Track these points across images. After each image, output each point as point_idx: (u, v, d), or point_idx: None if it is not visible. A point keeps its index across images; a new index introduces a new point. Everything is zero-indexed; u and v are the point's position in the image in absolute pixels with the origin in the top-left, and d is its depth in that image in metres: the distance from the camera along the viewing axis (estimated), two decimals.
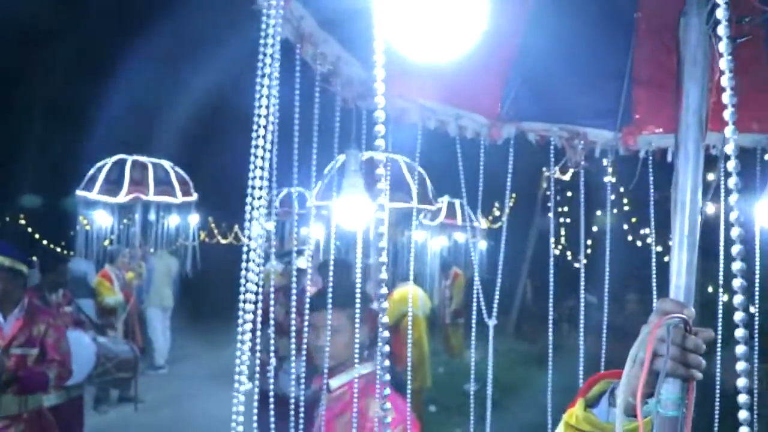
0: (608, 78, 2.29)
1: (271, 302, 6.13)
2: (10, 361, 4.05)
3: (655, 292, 2.47)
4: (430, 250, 9.14)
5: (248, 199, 1.34)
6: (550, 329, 2.84)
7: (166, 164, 7.42)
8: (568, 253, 14.22)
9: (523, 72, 2.23)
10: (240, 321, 1.42)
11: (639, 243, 12.60)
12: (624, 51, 2.22)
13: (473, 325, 2.77)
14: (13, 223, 18.74)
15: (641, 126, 2.39)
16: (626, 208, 12.09)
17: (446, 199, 9.60)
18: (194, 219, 7.98)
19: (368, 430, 2.29)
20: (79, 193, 7.31)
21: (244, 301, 1.37)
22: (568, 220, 14.05)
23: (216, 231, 24.22)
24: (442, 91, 2.12)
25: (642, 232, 12.57)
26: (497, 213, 19.95)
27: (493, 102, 2.28)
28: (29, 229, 18.99)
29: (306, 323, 2.20)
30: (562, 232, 14.68)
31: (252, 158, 1.34)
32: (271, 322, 5.73)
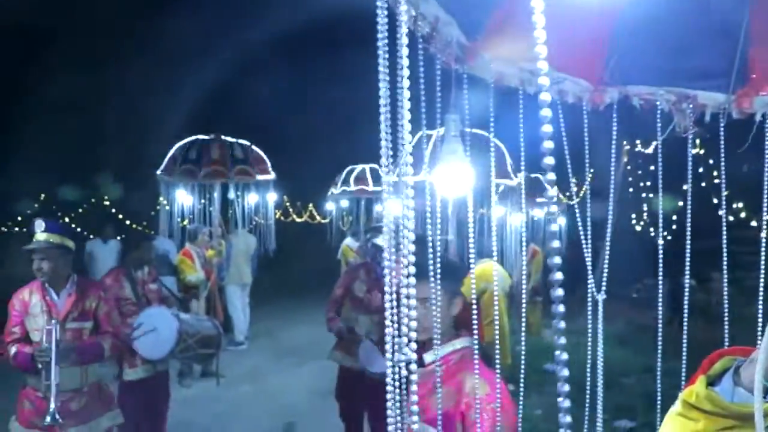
0: (721, 36, 2.10)
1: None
2: (67, 335, 4.16)
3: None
4: (509, 226, 8.93)
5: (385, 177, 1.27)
6: (660, 309, 2.67)
7: (244, 143, 7.45)
8: (651, 229, 13.76)
9: (627, 32, 2.06)
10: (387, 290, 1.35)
11: (731, 218, 12.06)
12: (739, 6, 2.03)
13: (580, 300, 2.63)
14: (97, 204, 19.39)
15: (758, 87, 2.18)
16: (717, 180, 11.54)
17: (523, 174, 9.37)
18: (272, 197, 8.02)
19: (463, 406, 2.20)
20: (159, 173, 7.44)
21: (407, 276, 1.38)
22: (650, 195, 13.57)
23: (291, 210, 24.50)
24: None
25: (735, 206, 12.02)
26: (575, 188, 19.45)
27: (595, 65, 2.12)
28: (113, 210, 19.61)
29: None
30: (645, 208, 14.19)
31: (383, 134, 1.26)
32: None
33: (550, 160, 0.94)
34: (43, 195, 17.83)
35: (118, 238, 9.79)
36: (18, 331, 4.13)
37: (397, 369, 1.49)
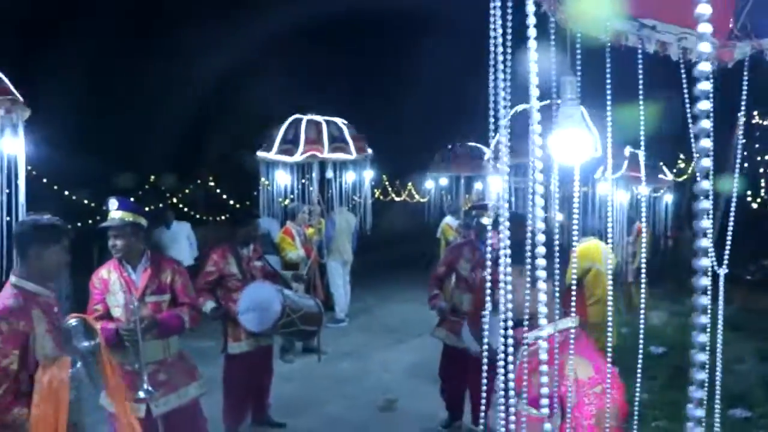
0: None
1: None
2: (147, 309, 4.25)
3: None
4: (613, 204, 8.60)
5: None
6: None
7: (340, 121, 7.46)
8: None
9: None
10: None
11: None
12: None
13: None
14: (203, 185, 20.06)
15: None
16: None
17: (628, 150, 8.99)
18: (369, 174, 8.01)
19: (566, 388, 2.09)
20: (259, 154, 7.56)
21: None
22: None
23: (390, 188, 24.60)
24: (665, 7, 1.79)
25: None
26: (682, 165, 18.61)
27: (723, 17, 1.88)
28: (218, 190, 20.23)
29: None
30: (763, 184, 13.34)
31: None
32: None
33: (706, 143, 0.79)
34: (152, 177, 18.59)
35: (222, 217, 9.99)
36: (100, 308, 4.25)
37: (496, 348, 1.41)
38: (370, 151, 7.51)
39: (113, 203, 4.20)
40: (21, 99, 3.59)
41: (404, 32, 18.62)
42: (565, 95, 1.96)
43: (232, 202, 20.08)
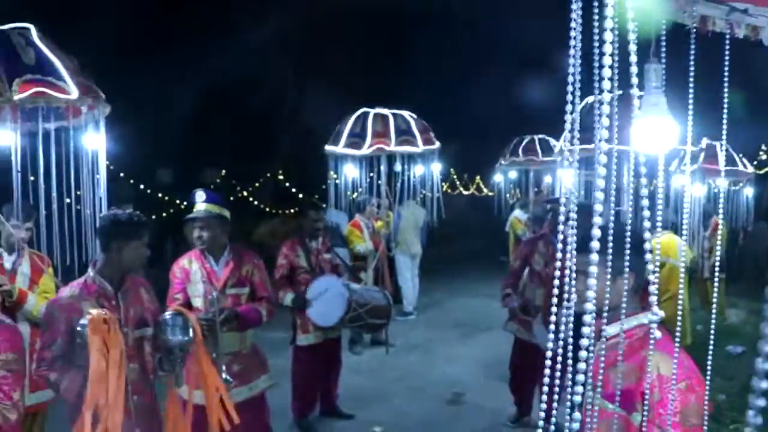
0: None
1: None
2: (227, 301, 4.33)
3: None
4: (690, 197, 8.34)
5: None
6: None
7: (407, 114, 7.46)
8: None
9: None
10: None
11: None
12: None
13: None
14: (272, 179, 20.37)
15: None
16: None
17: (705, 141, 8.70)
18: (437, 167, 7.97)
19: (646, 384, 2.04)
20: (327, 147, 7.63)
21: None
22: None
23: (458, 182, 24.46)
24: None
25: None
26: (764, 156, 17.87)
27: None
28: (287, 184, 20.50)
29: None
30: None
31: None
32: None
33: None
34: (224, 171, 18.97)
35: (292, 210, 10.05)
36: (180, 298, 4.35)
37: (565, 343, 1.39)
38: (437, 143, 7.48)
39: (200, 195, 4.30)
40: (103, 96, 3.72)
41: (473, 22, 18.45)
42: (649, 83, 1.90)
43: (300, 196, 20.34)
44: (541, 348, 5.23)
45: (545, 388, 1.69)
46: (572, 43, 1.28)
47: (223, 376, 4.00)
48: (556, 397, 1.77)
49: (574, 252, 1.58)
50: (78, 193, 3.70)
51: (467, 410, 6.54)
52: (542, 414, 1.62)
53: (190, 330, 3.23)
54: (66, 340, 3.06)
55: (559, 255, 1.68)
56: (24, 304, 4.08)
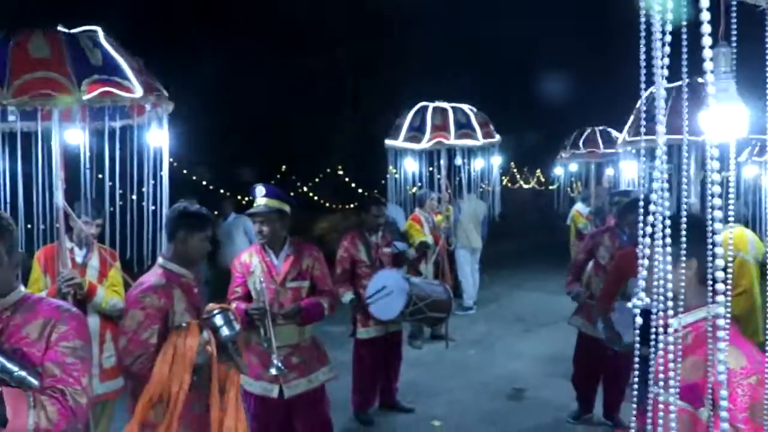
0: None
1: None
2: (287, 295, 4.39)
3: None
4: (764, 188, 8.05)
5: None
6: None
7: (466, 107, 7.38)
8: None
9: None
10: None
11: None
12: None
13: None
14: (332, 173, 20.50)
15: None
16: None
17: None
18: (497, 161, 7.87)
19: (716, 377, 1.97)
20: (386, 142, 7.62)
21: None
22: None
23: (518, 175, 24.20)
24: None
25: None
26: None
27: None
28: (346, 179, 20.61)
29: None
30: None
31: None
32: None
33: None
34: (284, 166, 19.19)
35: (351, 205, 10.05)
36: (240, 291, 4.46)
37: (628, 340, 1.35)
38: (497, 137, 7.39)
39: (260, 190, 4.37)
40: (166, 94, 3.80)
41: (532, 12, 18.17)
42: (719, 68, 1.82)
43: (360, 191, 20.44)
44: (605, 344, 5.14)
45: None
46: (642, 32, 1.24)
47: (275, 363, 4.05)
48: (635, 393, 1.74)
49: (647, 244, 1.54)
50: (143, 189, 3.80)
51: (528, 406, 6.47)
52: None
53: (235, 323, 3.29)
54: (160, 327, 3.17)
55: (641, 249, 1.63)
56: (93, 296, 4.22)
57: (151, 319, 3.16)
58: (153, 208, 3.77)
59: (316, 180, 20.10)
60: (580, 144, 10.92)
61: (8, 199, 3.74)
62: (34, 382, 2.13)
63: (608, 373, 5.71)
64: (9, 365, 2.10)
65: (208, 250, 3.45)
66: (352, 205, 19.83)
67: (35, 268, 4.30)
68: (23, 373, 2.12)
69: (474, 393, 6.81)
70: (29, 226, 4.00)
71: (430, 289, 5.91)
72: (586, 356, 5.80)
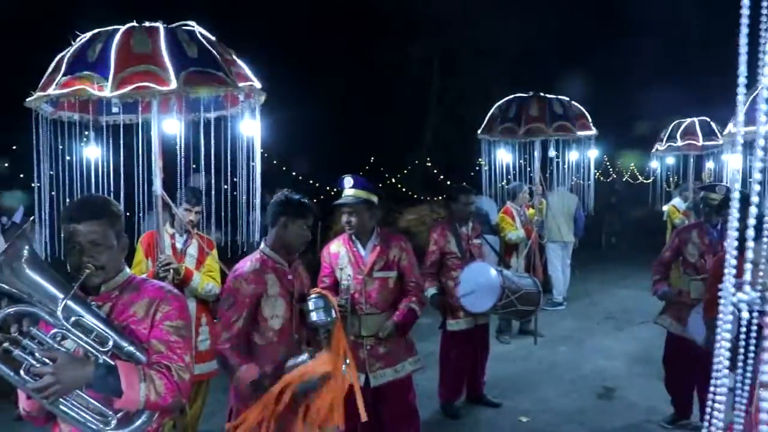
0: None
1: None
2: (374, 285, 4.41)
3: None
4: None
5: None
6: None
7: (563, 99, 7.21)
8: None
9: None
10: None
11: None
12: None
13: None
14: (420, 165, 20.51)
15: None
16: None
17: None
18: (593, 153, 7.64)
19: None
20: (480, 133, 7.54)
21: None
22: None
23: (611, 169, 23.52)
24: None
25: None
26: None
27: None
28: (434, 171, 20.58)
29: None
30: None
31: None
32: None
33: None
34: (372, 157, 19.31)
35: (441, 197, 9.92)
36: (327, 281, 4.51)
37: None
38: (594, 130, 7.19)
39: (348, 181, 4.39)
40: (259, 85, 3.87)
41: (630, 2, 17.61)
42: None
43: (449, 182, 20.38)
44: (696, 344, 4.91)
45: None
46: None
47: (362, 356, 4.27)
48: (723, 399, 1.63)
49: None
50: (234, 180, 3.90)
51: (619, 406, 6.27)
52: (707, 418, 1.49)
53: (333, 311, 3.38)
54: (250, 312, 3.28)
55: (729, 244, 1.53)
56: (190, 281, 4.38)
57: (239, 305, 3.27)
58: (245, 197, 3.86)
59: (404, 171, 20.15)
60: (677, 136, 10.45)
61: (112, 188, 3.90)
62: (142, 357, 2.26)
63: (704, 374, 5.43)
64: (121, 341, 2.23)
65: (309, 238, 3.50)
66: (439, 197, 19.80)
67: (138, 252, 4.52)
68: (132, 349, 2.25)
69: (562, 390, 6.66)
70: (128, 214, 4.17)
71: (521, 281, 5.81)
72: (676, 357, 5.56)
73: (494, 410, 6.18)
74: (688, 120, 10.46)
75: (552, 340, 8.41)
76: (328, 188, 16.31)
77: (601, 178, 21.36)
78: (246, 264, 3.40)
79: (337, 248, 4.55)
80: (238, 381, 3.23)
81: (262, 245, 3.51)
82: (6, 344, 2.05)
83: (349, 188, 4.41)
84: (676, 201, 10.67)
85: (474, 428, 5.86)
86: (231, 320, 3.26)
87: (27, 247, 2.14)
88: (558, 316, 9.74)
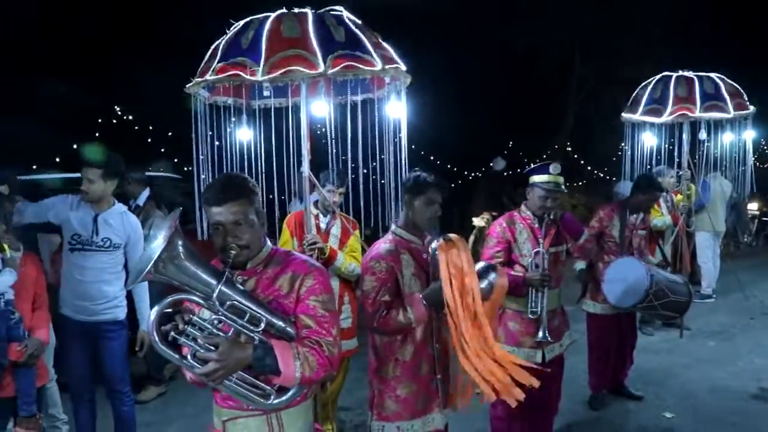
0: None
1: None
2: (549, 259, 4.49)
3: None
4: None
5: None
6: None
7: (715, 76, 6.75)
8: None
9: None
10: None
11: None
12: None
13: None
14: (560, 151, 19.99)
15: None
16: None
17: None
18: (750, 135, 7.09)
19: None
20: (624, 115, 7.23)
21: None
22: None
23: None
24: None
25: None
26: None
27: None
28: (575, 156, 20.04)
29: None
30: None
31: None
32: None
33: None
34: (511, 142, 19.03)
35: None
36: (502, 256, 4.51)
37: None
38: (751, 108, 6.69)
39: (555, 167, 4.50)
40: (404, 67, 3.91)
41: None
42: None
43: (589, 168, 19.78)
44: None
45: None
46: None
47: (540, 334, 4.40)
48: None
49: None
50: (382, 156, 3.96)
51: None
52: None
53: (494, 278, 3.51)
54: (391, 289, 3.33)
55: None
56: (334, 260, 4.52)
57: (381, 282, 3.31)
58: (391, 179, 3.91)
59: (544, 157, 19.76)
60: None
61: (263, 169, 4.06)
62: (292, 332, 2.36)
63: None
64: (272, 318, 2.33)
65: (436, 214, 3.50)
66: (580, 183, 19.30)
67: (285, 231, 4.70)
68: (283, 324, 2.35)
69: (710, 388, 6.31)
70: (270, 196, 4.33)
71: (672, 288, 5.42)
72: None
73: (636, 403, 5.98)
74: None
75: (700, 334, 7.99)
76: (466, 173, 16.25)
77: (757, 162, 19.90)
78: (380, 245, 3.46)
79: (510, 224, 4.59)
80: (418, 321, 3.31)
81: (393, 226, 3.56)
82: (173, 333, 2.21)
83: (557, 175, 4.49)
84: None
85: (614, 420, 5.68)
86: (376, 297, 3.31)
87: (180, 240, 2.23)
88: (707, 309, 9.21)
